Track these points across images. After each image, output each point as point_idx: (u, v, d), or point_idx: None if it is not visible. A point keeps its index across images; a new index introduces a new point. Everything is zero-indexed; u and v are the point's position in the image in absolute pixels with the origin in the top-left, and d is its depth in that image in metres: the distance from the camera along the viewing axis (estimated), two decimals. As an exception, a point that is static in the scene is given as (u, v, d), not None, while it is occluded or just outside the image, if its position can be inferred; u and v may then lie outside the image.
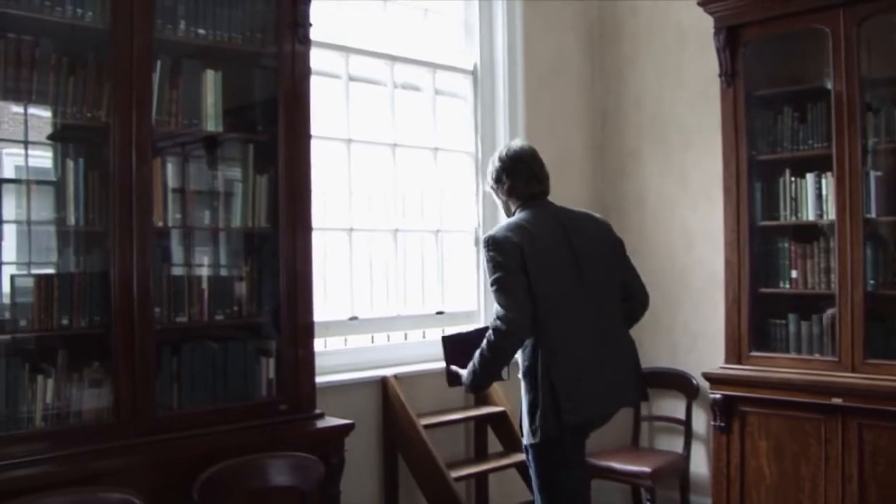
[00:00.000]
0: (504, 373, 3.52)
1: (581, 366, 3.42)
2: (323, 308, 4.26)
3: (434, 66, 5.09)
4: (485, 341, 3.39)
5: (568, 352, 3.40)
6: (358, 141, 4.71)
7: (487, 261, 3.43)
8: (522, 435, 3.51)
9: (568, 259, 3.50)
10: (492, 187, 3.70)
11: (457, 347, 3.62)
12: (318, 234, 4.02)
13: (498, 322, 3.33)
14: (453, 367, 3.60)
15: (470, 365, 3.46)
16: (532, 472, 3.51)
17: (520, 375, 3.49)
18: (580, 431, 3.53)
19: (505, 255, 3.39)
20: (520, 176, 3.60)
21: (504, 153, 3.66)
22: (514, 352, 3.41)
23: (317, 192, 3.89)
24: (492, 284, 3.40)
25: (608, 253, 3.64)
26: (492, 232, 3.52)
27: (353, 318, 4.63)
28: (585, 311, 3.49)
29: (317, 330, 3.85)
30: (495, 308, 3.37)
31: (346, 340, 4.65)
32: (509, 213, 3.68)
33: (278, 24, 3.73)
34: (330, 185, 4.58)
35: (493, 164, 3.68)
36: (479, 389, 3.74)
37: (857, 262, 4.27)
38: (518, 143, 3.73)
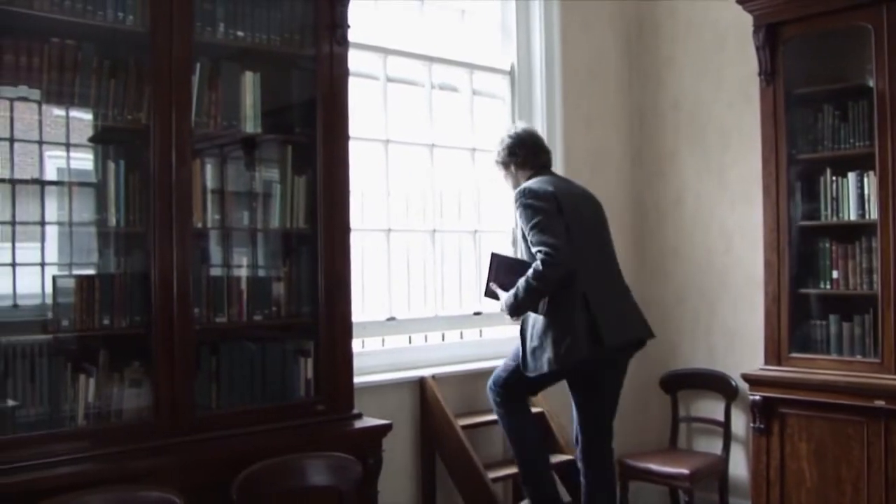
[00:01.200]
0: (541, 306, 3.86)
1: (607, 300, 3.90)
2: (360, 309, 4.29)
3: (471, 67, 5.09)
4: (531, 272, 3.76)
5: (597, 287, 3.88)
6: (396, 142, 4.73)
7: (525, 207, 3.87)
8: (527, 369, 3.94)
9: (585, 212, 4.03)
10: (502, 162, 4.17)
11: (501, 269, 3.99)
12: (356, 235, 4.04)
13: (546, 256, 3.72)
14: (493, 285, 3.98)
15: (512, 291, 3.83)
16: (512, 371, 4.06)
17: (540, 312, 3.86)
18: (611, 358, 3.99)
19: (543, 201, 3.86)
20: (532, 148, 4.15)
21: (513, 132, 4.19)
22: (558, 284, 3.77)
23: (355, 192, 3.91)
24: (532, 227, 3.82)
25: (605, 220, 4.18)
26: (525, 184, 3.98)
27: (391, 319, 4.64)
28: (601, 256, 4.05)
29: (354, 330, 3.85)
30: (538, 248, 3.75)
31: (383, 341, 4.66)
32: (517, 186, 4.07)
33: (316, 26, 3.75)
34: (368, 185, 4.60)
35: (503, 142, 4.17)
36: (516, 315, 3.97)
37: (900, 262, 4.21)
38: (521, 124, 4.33)
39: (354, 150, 3.91)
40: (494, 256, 4.06)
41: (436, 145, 4.90)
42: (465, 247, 5.08)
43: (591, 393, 4.02)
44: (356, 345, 3.98)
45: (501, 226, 5.21)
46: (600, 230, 4.11)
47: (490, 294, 4.03)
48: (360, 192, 4.34)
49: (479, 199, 5.15)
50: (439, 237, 4.93)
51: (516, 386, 4.11)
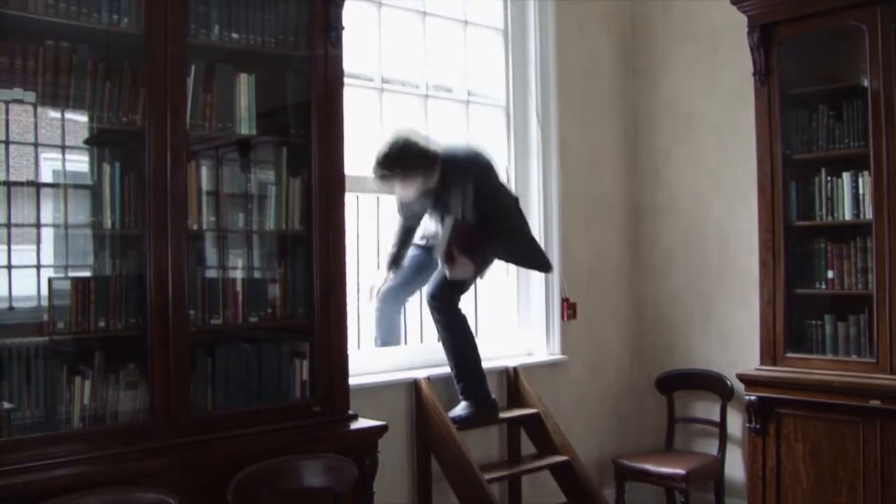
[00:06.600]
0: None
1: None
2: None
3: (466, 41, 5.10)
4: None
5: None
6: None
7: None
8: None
9: None
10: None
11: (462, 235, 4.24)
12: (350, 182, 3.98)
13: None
14: (456, 251, 4.24)
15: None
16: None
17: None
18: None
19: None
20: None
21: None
22: None
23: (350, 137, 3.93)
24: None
25: None
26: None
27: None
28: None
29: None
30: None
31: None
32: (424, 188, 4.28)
33: (310, 28, 3.75)
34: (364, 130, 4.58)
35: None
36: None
37: (895, 261, 4.21)
38: (399, 132, 4.28)
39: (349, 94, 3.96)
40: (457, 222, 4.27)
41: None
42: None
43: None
44: (351, 347, 3.98)
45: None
46: None
47: (448, 257, 4.25)
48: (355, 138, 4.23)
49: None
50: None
51: (451, 292, 4.46)
